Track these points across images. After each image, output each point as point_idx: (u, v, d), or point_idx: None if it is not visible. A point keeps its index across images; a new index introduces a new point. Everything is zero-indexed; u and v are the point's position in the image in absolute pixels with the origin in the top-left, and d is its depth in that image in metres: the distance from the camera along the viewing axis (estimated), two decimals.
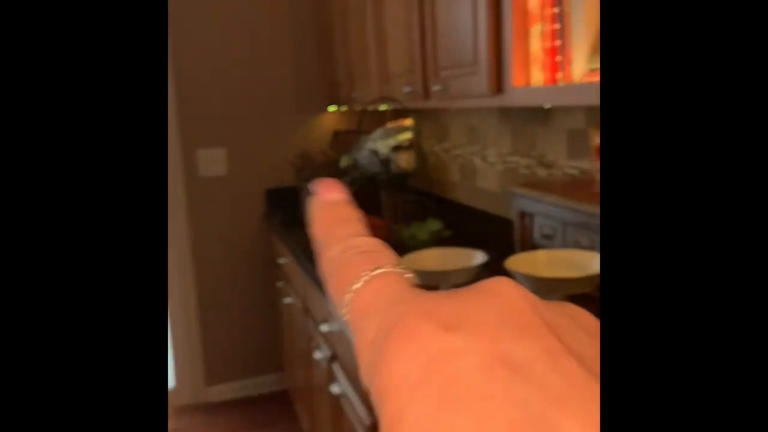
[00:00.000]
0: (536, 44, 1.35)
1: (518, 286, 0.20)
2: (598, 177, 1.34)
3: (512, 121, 2.06)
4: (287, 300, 2.66)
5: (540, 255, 1.26)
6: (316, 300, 2.03)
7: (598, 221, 1.23)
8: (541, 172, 1.90)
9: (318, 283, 1.80)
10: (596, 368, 0.18)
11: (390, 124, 2.29)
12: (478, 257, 1.35)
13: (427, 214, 2.06)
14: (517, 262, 1.22)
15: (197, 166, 2.93)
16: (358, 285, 0.22)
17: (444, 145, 2.58)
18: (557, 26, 1.30)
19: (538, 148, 1.92)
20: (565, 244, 1.32)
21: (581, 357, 0.17)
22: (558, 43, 1.30)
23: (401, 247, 1.74)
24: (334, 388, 1.86)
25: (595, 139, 1.34)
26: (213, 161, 2.94)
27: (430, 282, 1.34)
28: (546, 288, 1.15)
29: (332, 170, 2.27)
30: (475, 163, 2.33)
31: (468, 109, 2.30)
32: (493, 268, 1.37)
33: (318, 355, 2.05)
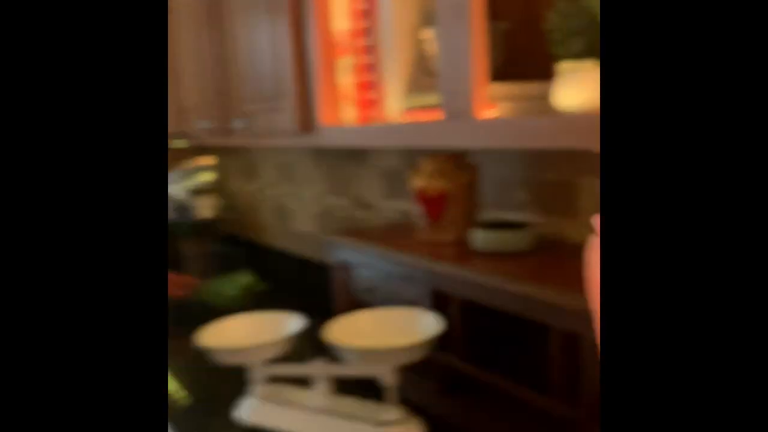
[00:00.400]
0: (346, 79, 1.21)
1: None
2: (418, 220, 1.22)
3: (326, 159, 1.91)
4: None
5: (363, 318, 1.10)
6: None
7: (421, 273, 1.11)
8: (359, 214, 1.77)
9: None
10: None
11: (188, 164, 2.02)
12: (294, 324, 1.15)
13: (237, 265, 1.82)
14: (338, 330, 1.04)
15: None
16: None
17: (254, 185, 2.36)
18: (368, 60, 1.17)
19: (354, 188, 1.79)
20: (389, 298, 1.17)
21: None
22: (370, 78, 1.17)
23: (206, 308, 1.48)
24: None
25: (414, 181, 1.22)
26: None
27: (236, 360, 1.11)
28: (374, 360, 0.98)
29: None
30: (289, 205, 2.15)
31: (278, 146, 2.11)
32: (312, 337, 1.18)
33: None
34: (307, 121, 1.32)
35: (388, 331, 1.06)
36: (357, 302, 1.27)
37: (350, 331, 1.05)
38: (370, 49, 1.15)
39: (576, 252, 1.13)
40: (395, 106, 1.12)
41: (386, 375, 0.98)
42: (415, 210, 1.24)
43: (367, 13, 1.15)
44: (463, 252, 1.14)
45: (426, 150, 1.28)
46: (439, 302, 1.11)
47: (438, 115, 0.99)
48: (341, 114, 1.20)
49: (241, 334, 1.16)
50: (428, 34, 1.10)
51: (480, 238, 1.11)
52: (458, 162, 1.21)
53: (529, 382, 0.98)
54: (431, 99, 1.06)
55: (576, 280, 0.87)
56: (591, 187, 1.18)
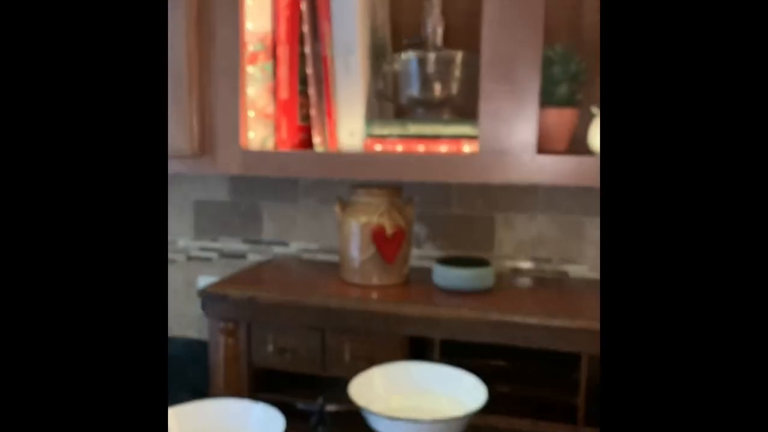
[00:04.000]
0: (261, 92, 1.00)
1: None
2: (355, 263, 1.06)
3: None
4: None
5: (382, 377, 0.90)
6: None
7: (395, 320, 0.95)
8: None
9: None
10: None
11: None
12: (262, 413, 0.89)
13: None
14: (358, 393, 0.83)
15: None
16: None
17: None
18: (314, 74, 0.98)
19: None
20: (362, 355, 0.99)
21: None
22: (314, 96, 0.98)
23: None
24: None
25: (357, 219, 1.06)
26: None
27: None
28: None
29: None
30: None
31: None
32: None
33: None
34: (204, 142, 1.06)
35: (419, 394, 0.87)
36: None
37: (369, 390, 0.84)
38: (313, 60, 0.97)
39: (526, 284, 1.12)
40: (351, 133, 0.96)
41: None
42: (353, 251, 1.07)
43: (307, 18, 0.96)
44: (431, 292, 1.02)
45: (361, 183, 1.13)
46: (416, 348, 0.98)
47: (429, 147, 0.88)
48: (249, 134, 0.99)
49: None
50: (395, 61, 0.97)
51: (454, 277, 1.01)
52: (401, 196, 1.09)
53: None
54: (396, 128, 0.93)
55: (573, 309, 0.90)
56: (505, 222, 1.16)
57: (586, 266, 1.15)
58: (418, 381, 0.88)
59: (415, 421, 0.73)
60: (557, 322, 0.90)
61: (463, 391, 0.84)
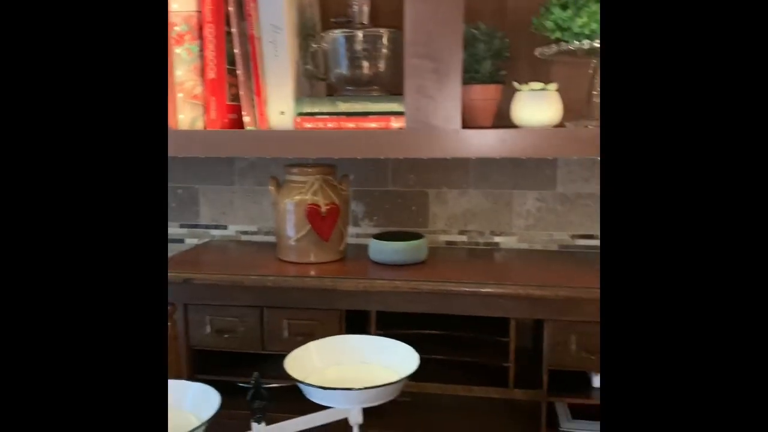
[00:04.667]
0: (189, 74, 0.99)
1: None
2: (290, 239, 1.07)
3: None
4: None
5: (317, 348, 0.91)
6: None
7: (336, 295, 0.97)
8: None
9: None
10: None
11: None
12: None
13: None
14: (294, 364, 0.84)
15: None
16: None
17: None
18: (241, 57, 0.97)
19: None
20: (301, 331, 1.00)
21: None
22: (241, 77, 0.98)
23: None
24: None
25: (291, 197, 1.07)
26: None
27: None
28: (345, 399, 0.81)
29: None
30: None
31: None
32: None
33: None
34: None
35: (352, 364, 0.89)
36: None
37: (306, 364, 0.86)
38: (240, 40, 0.96)
39: (459, 256, 1.16)
40: (281, 111, 0.96)
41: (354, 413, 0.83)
42: (286, 228, 1.08)
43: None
44: (367, 267, 1.04)
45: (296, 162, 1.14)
46: (354, 321, 1.00)
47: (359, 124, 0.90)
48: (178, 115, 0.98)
49: None
50: (322, 40, 0.98)
51: (389, 251, 1.03)
52: (335, 174, 1.10)
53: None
54: (325, 106, 0.94)
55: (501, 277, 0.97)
56: (437, 197, 1.20)
57: (516, 237, 1.19)
58: (354, 353, 0.90)
59: (348, 390, 0.76)
60: (486, 290, 0.94)
61: (398, 360, 0.87)
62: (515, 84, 0.93)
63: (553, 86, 0.91)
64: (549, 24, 0.91)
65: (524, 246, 1.19)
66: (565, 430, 0.97)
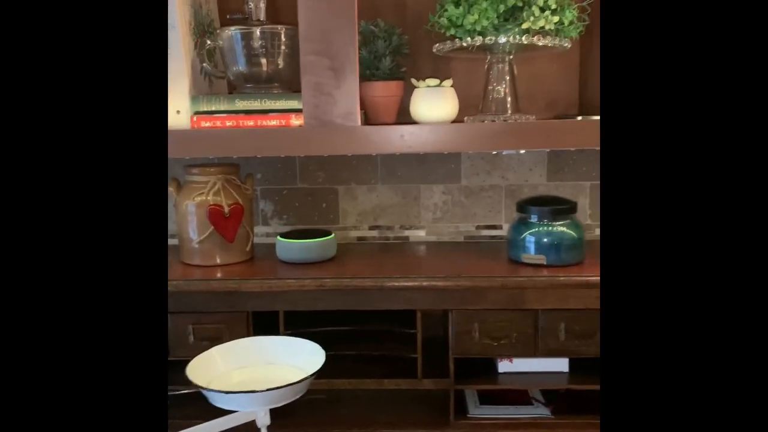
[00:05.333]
0: None
1: None
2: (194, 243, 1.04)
3: None
4: None
5: (220, 352, 0.88)
6: None
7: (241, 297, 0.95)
8: None
9: None
10: None
11: None
12: None
13: None
14: (198, 370, 0.81)
15: None
16: None
17: None
18: None
19: None
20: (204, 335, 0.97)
21: None
22: None
23: None
24: None
25: (191, 198, 1.04)
26: None
27: None
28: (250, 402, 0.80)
29: None
30: None
31: None
32: None
33: None
34: None
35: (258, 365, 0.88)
36: None
37: (210, 369, 0.83)
38: None
39: (369, 251, 1.17)
40: (177, 111, 0.93)
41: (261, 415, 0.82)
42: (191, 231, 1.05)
43: None
44: (275, 267, 1.03)
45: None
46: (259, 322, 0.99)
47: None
48: None
49: None
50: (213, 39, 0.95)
51: (296, 249, 1.03)
52: (239, 174, 1.08)
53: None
54: (223, 104, 0.92)
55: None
56: (347, 193, 1.21)
57: (425, 230, 1.22)
58: (260, 354, 0.89)
59: (251, 392, 0.75)
60: (391, 284, 0.95)
61: (305, 359, 0.86)
62: (413, 80, 0.94)
63: (448, 82, 0.93)
64: (443, 21, 0.93)
65: (433, 238, 1.22)
66: (473, 415, 1.00)
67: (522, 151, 1.18)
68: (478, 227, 1.21)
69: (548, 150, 1.17)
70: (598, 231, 1.20)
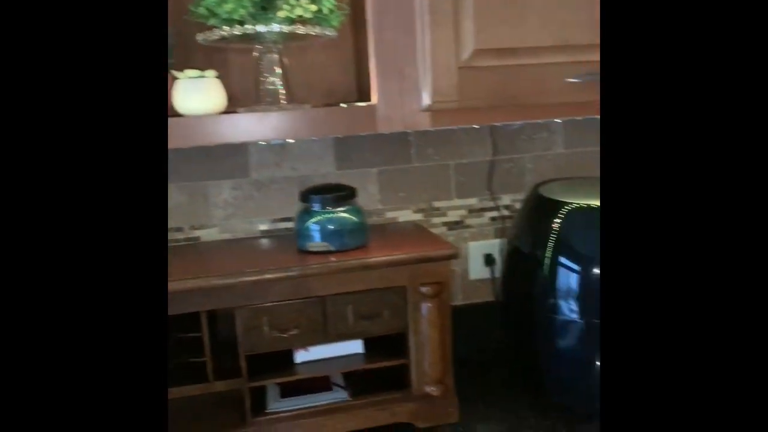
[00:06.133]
0: None
1: None
2: None
3: None
4: None
5: None
6: None
7: None
8: None
9: None
10: None
11: None
12: None
13: None
14: None
15: None
16: None
17: None
18: None
19: None
20: None
21: None
22: None
23: None
24: None
25: None
26: None
27: None
28: None
29: None
30: None
31: None
32: None
33: None
34: None
35: None
36: None
37: None
38: None
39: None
40: None
41: None
42: None
43: None
44: None
45: None
46: None
47: None
48: None
49: None
50: None
51: None
52: None
53: None
54: None
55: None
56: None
57: (217, 228, 1.18)
58: None
59: None
60: (173, 287, 0.90)
61: None
62: (173, 72, 0.90)
63: (211, 73, 0.90)
64: (201, 10, 0.89)
65: (227, 236, 1.18)
66: (272, 410, 0.99)
67: (291, 141, 1.19)
68: (274, 220, 1.20)
69: (333, 138, 1.19)
70: (389, 214, 1.24)
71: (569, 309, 0.99)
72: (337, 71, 1.14)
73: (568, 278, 0.99)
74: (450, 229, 1.28)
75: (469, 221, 1.29)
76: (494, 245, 1.30)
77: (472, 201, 1.28)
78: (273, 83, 0.98)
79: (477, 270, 1.31)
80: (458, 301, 1.31)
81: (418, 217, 1.26)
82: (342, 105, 0.95)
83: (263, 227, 1.20)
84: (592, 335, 0.98)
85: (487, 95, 0.90)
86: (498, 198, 1.29)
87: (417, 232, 1.14)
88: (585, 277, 0.97)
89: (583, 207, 0.99)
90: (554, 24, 0.90)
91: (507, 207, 1.29)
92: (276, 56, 0.97)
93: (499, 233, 1.30)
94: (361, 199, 1.18)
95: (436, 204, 1.26)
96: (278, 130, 0.90)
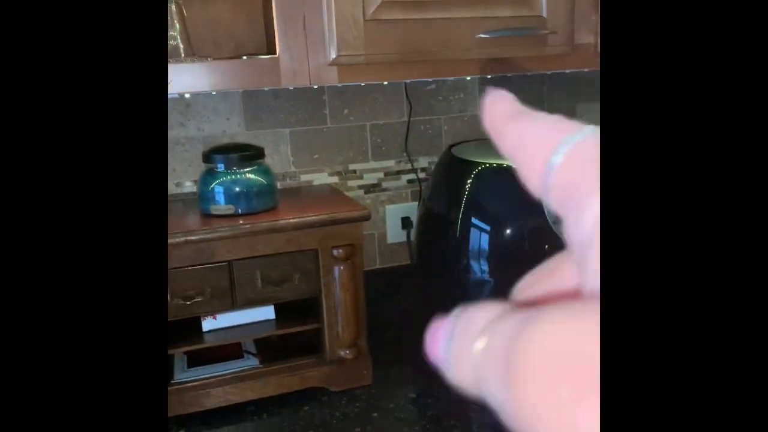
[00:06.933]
0: None
1: None
2: None
3: None
4: None
5: None
6: None
7: None
8: None
9: None
10: None
11: None
12: None
13: None
14: None
15: None
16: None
17: None
18: None
19: None
20: None
21: None
22: None
23: None
24: None
25: None
26: None
27: None
28: None
29: None
30: None
31: None
32: None
33: None
34: None
35: None
36: None
37: None
38: None
39: None
40: None
41: None
42: None
43: None
44: None
45: None
46: None
47: None
48: None
49: None
50: None
51: None
52: None
53: None
54: None
55: None
56: None
57: None
58: None
59: None
60: None
61: None
62: None
63: None
64: None
65: None
66: (179, 380, 0.95)
67: (188, 95, 1.13)
68: (178, 184, 1.14)
69: (241, 96, 1.14)
70: (303, 177, 1.21)
71: (480, 269, 0.99)
72: (243, 25, 1.08)
73: (479, 238, 0.99)
74: (367, 192, 1.26)
75: (386, 184, 1.27)
76: (412, 208, 1.29)
77: (389, 163, 1.26)
78: (174, 38, 0.92)
79: (395, 234, 1.30)
80: (376, 265, 1.29)
81: (333, 180, 1.23)
82: (243, 57, 0.90)
83: (170, 190, 1.13)
84: (504, 294, 0.99)
85: (394, 49, 0.87)
86: (415, 160, 1.27)
87: (331, 195, 1.11)
88: (495, 236, 0.98)
89: (494, 167, 0.99)
90: None
91: (423, 169, 1.28)
92: (173, 7, 0.90)
93: (416, 196, 1.29)
94: (273, 162, 1.14)
95: (353, 167, 1.24)
96: (175, 83, 0.84)
